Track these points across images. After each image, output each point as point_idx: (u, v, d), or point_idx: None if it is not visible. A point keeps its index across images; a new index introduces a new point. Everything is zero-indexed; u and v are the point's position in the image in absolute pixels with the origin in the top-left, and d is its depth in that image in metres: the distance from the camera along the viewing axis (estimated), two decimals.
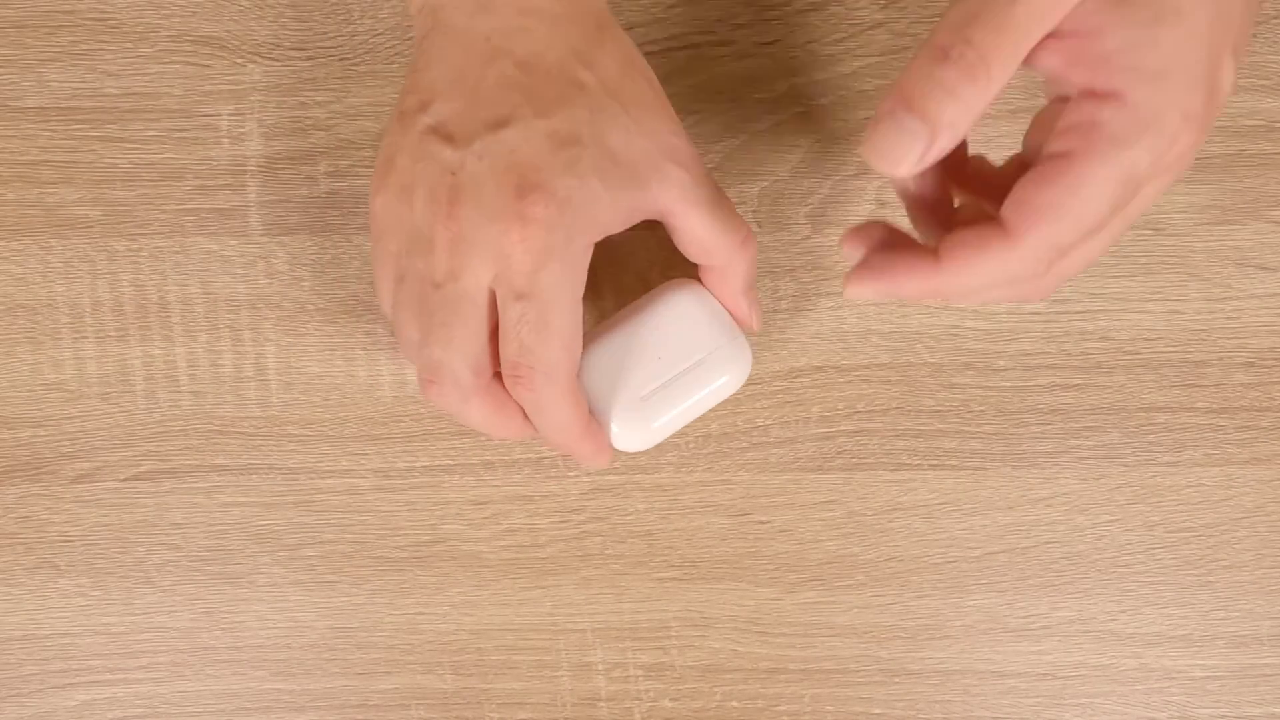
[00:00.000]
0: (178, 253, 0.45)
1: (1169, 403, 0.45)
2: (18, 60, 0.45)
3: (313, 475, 0.46)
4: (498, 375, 0.38)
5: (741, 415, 0.45)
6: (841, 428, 0.45)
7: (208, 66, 0.45)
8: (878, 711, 0.46)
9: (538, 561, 0.46)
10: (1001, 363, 0.45)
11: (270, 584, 0.46)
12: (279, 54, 0.45)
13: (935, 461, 0.45)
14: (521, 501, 0.46)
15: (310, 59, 0.45)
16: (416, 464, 0.46)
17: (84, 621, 0.46)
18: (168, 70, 0.45)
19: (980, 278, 0.32)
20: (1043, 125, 0.34)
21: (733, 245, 0.39)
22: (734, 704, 0.46)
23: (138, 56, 0.45)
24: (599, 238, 0.36)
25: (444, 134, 0.36)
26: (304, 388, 0.46)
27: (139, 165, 0.45)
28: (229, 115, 0.45)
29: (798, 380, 0.45)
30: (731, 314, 0.41)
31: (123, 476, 0.46)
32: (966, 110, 0.30)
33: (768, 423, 0.45)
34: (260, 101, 0.45)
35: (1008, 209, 0.31)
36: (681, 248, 0.39)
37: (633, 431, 0.40)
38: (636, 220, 0.37)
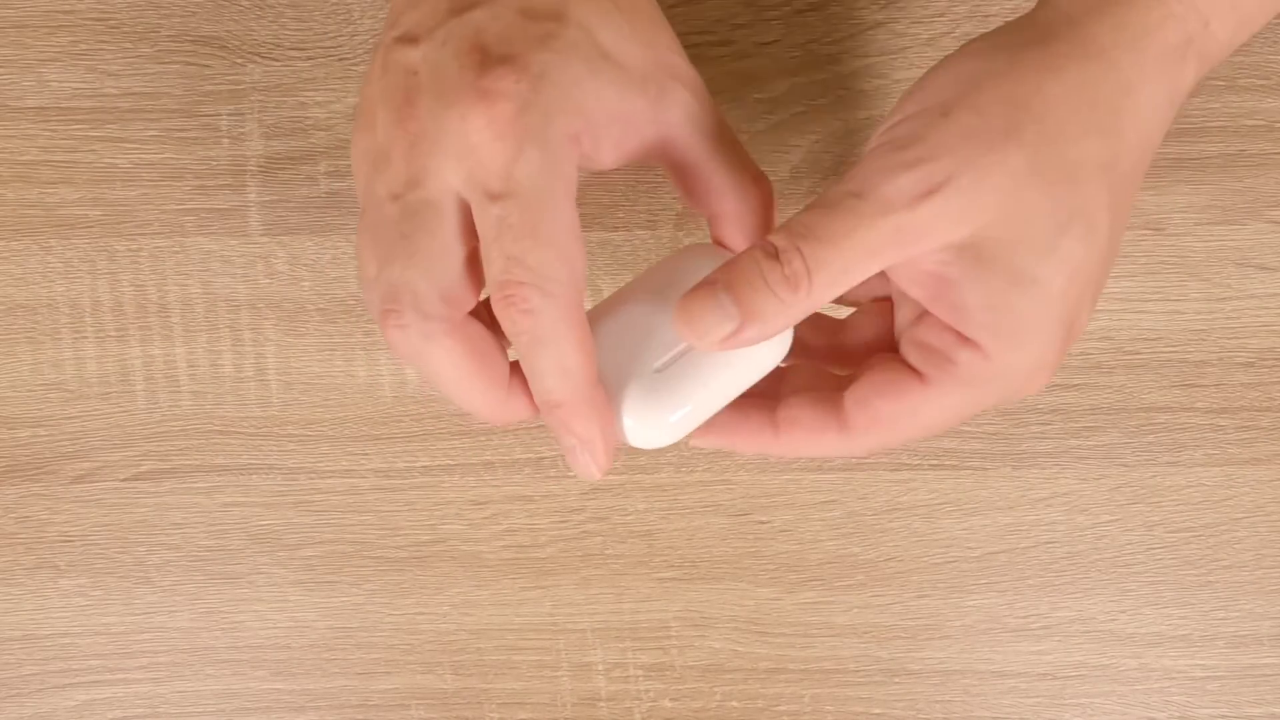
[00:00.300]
0: (178, 253, 0.45)
1: (1169, 403, 0.45)
2: (18, 60, 0.45)
3: (313, 475, 0.46)
4: (477, 315, 0.32)
5: None
6: None
7: (208, 66, 0.45)
8: (878, 711, 0.46)
9: (538, 561, 0.46)
10: None
11: (270, 584, 0.46)
12: (279, 54, 0.45)
13: (935, 461, 0.45)
14: (521, 501, 0.46)
15: (310, 59, 0.45)
16: (416, 464, 0.46)
17: (84, 621, 0.46)
18: (168, 70, 0.45)
19: (811, 454, 0.34)
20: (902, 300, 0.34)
21: (744, 185, 0.34)
22: (734, 704, 0.46)
23: (138, 56, 0.45)
24: (584, 131, 0.31)
25: (408, 38, 0.31)
26: (304, 388, 0.46)
27: (139, 165, 0.45)
28: (229, 115, 0.45)
29: None
30: None
31: (123, 476, 0.46)
32: (782, 311, 0.30)
33: None
34: (260, 101, 0.45)
35: (852, 403, 0.32)
36: (684, 191, 0.34)
37: (649, 417, 0.33)
38: (629, 144, 0.32)
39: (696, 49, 0.44)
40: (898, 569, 0.46)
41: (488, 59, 0.30)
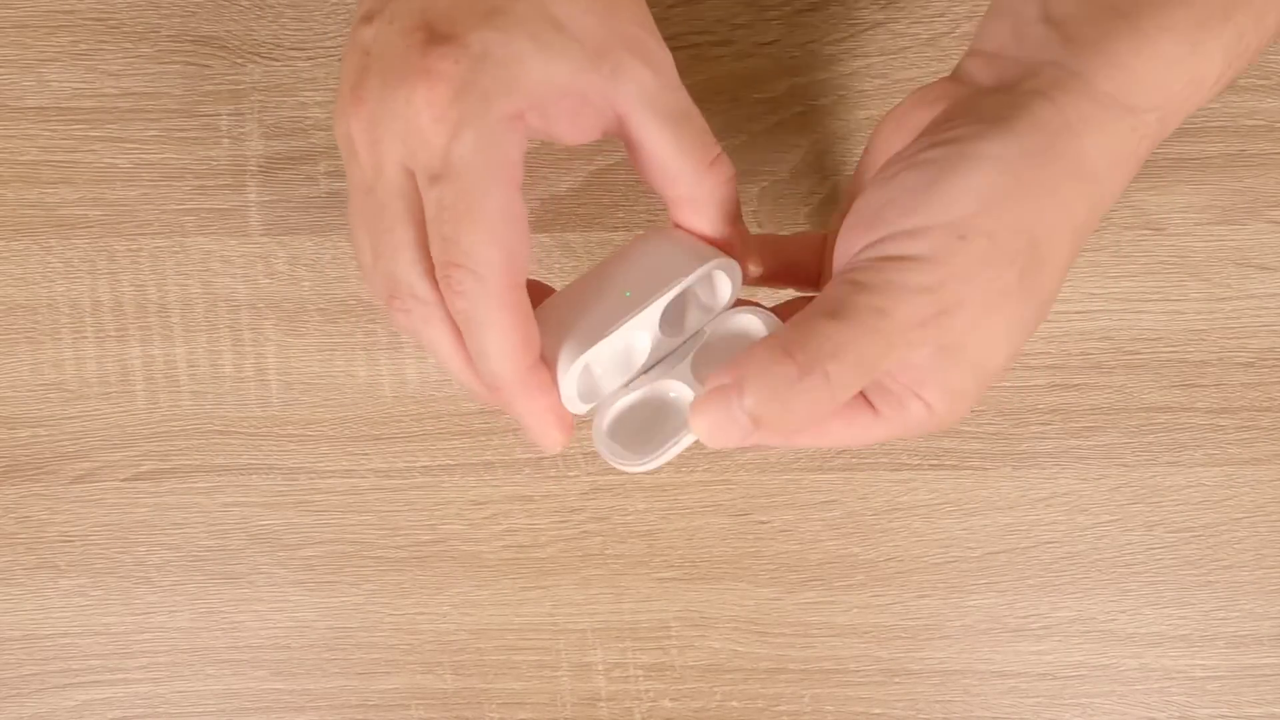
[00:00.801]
0: (178, 253, 0.45)
1: (1169, 403, 0.45)
2: (18, 60, 0.45)
3: (313, 475, 0.46)
4: None
5: None
6: None
7: (208, 66, 0.45)
8: (878, 711, 0.46)
9: (538, 561, 0.46)
10: None
11: (270, 584, 0.46)
12: (279, 54, 0.45)
13: (935, 461, 0.45)
14: (521, 501, 0.46)
15: (310, 59, 0.45)
16: (416, 464, 0.46)
17: (84, 621, 0.46)
18: (168, 70, 0.45)
19: (750, 444, 0.33)
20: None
21: (699, 167, 0.33)
22: (734, 704, 0.46)
23: (138, 56, 0.45)
24: (527, 109, 0.31)
25: (365, 16, 0.32)
26: (304, 388, 0.46)
27: (139, 165, 0.45)
28: (229, 115, 0.45)
29: None
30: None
31: (123, 476, 0.46)
32: (795, 422, 0.30)
33: None
34: (260, 101, 0.45)
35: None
36: (640, 170, 0.34)
37: (626, 461, 0.33)
38: (586, 121, 0.32)
39: (696, 49, 0.44)
40: (898, 569, 0.46)
41: (431, 37, 0.30)
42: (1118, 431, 0.45)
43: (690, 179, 0.33)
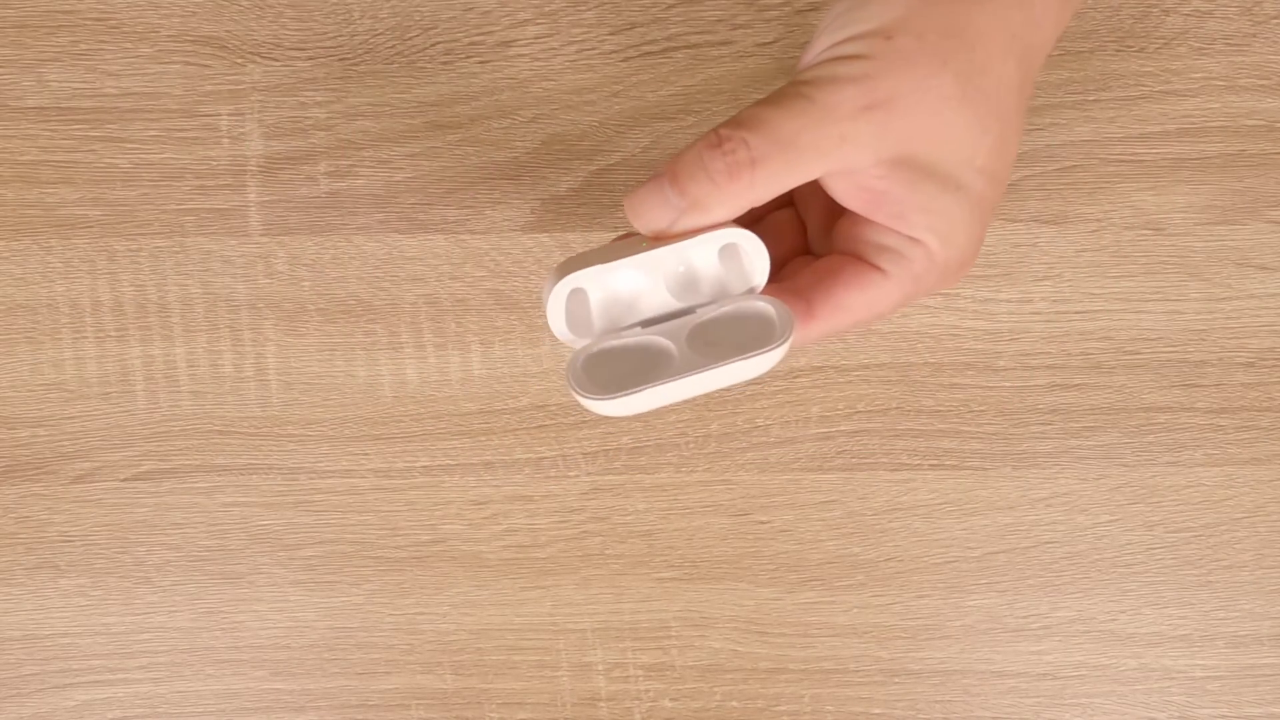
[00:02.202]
0: (178, 253, 0.45)
1: (1169, 403, 0.45)
2: (18, 60, 0.45)
3: (313, 475, 0.46)
4: None
5: (741, 415, 0.45)
6: (841, 428, 0.45)
7: (208, 66, 0.45)
8: (878, 711, 0.46)
9: (538, 561, 0.46)
10: (1001, 363, 0.45)
11: (270, 584, 0.46)
12: (279, 54, 0.45)
13: (935, 461, 0.45)
14: (521, 501, 0.46)
15: (310, 59, 0.45)
16: (416, 464, 0.46)
17: (84, 621, 0.46)
18: (168, 70, 0.45)
19: None
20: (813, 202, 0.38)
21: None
22: (734, 704, 0.46)
23: (138, 56, 0.45)
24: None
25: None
26: (304, 388, 0.46)
27: (139, 165, 0.45)
28: (229, 115, 0.45)
29: (798, 380, 0.45)
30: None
31: (123, 476, 0.46)
32: (722, 200, 0.32)
33: (768, 423, 0.45)
34: (260, 101, 0.45)
35: (815, 293, 0.35)
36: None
37: (598, 399, 0.32)
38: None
39: (696, 49, 0.44)
40: (898, 569, 0.46)
41: None
42: (1118, 431, 0.45)
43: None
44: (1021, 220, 0.45)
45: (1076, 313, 0.45)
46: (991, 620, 0.46)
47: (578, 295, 0.34)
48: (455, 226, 0.45)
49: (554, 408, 0.45)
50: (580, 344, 0.35)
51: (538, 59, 0.45)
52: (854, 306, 0.35)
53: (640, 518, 0.46)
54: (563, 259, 0.36)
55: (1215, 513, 0.45)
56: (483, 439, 0.46)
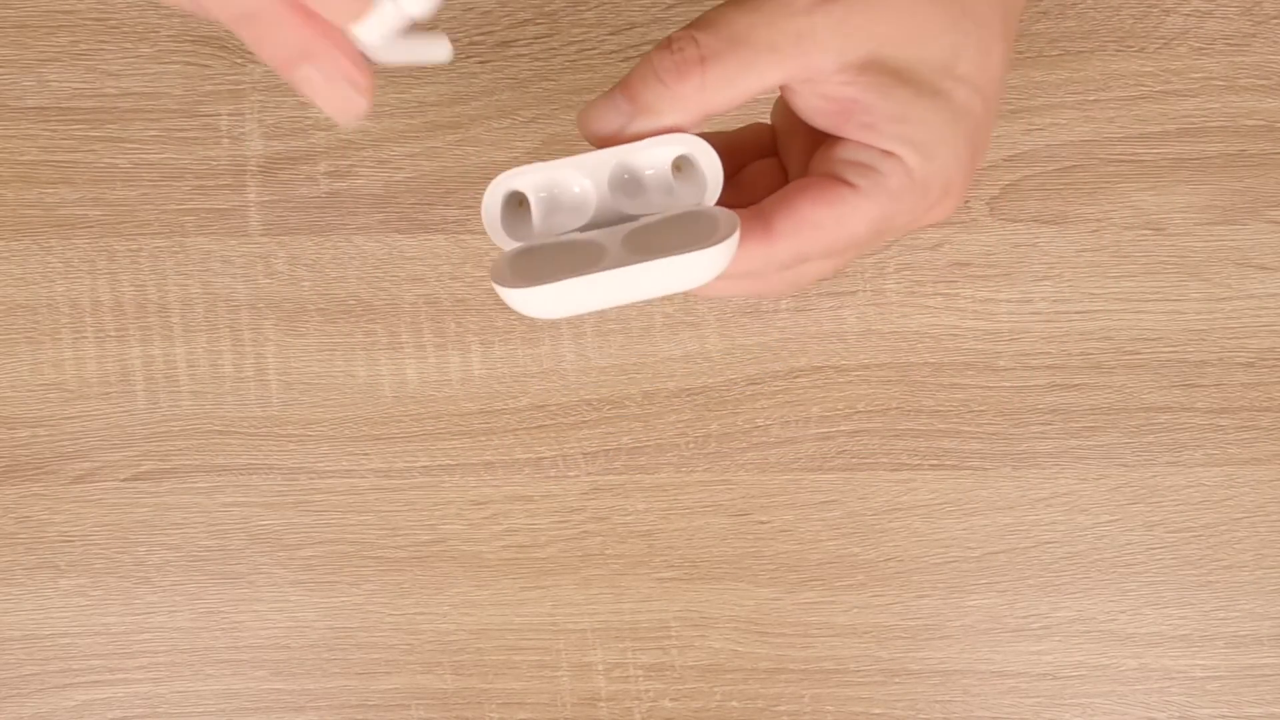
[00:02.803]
0: (178, 253, 0.45)
1: (1169, 403, 0.45)
2: (18, 60, 0.45)
3: (313, 475, 0.46)
4: None
5: (741, 415, 0.45)
6: (841, 428, 0.45)
7: (208, 66, 0.45)
8: (878, 711, 0.46)
9: (538, 561, 0.46)
10: (1001, 363, 0.45)
11: (270, 584, 0.46)
12: None
13: (935, 461, 0.45)
14: (521, 501, 0.46)
15: None
16: (416, 464, 0.46)
17: (84, 621, 0.46)
18: (168, 70, 0.45)
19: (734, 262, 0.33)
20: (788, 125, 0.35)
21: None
22: (734, 704, 0.46)
23: (138, 56, 0.45)
24: None
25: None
26: (304, 388, 0.46)
27: (139, 165, 0.45)
28: (229, 115, 0.45)
29: (798, 380, 0.45)
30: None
31: (123, 476, 0.46)
32: (672, 101, 0.30)
33: (768, 423, 0.45)
34: (260, 101, 0.45)
35: (776, 209, 0.32)
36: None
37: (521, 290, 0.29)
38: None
39: None
40: (898, 569, 0.46)
41: None
42: (1118, 431, 0.45)
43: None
44: (1021, 220, 0.45)
45: (1076, 313, 0.45)
46: (991, 620, 0.46)
47: (517, 200, 0.32)
48: (455, 226, 0.45)
49: (554, 408, 0.45)
50: (512, 239, 0.32)
51: (538, 59, 0.45)
52: (820, 222, 0.31)
53: (640, 518, 0.46)
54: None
55: (1215, 513, 0.45)
56: (483, 439, 0.46)
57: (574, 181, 0.32)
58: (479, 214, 0.44)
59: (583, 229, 0.32)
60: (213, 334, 0.45)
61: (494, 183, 0.32)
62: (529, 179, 0.32)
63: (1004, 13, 0.32)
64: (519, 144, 0.45)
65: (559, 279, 0.29)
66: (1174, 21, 0.44)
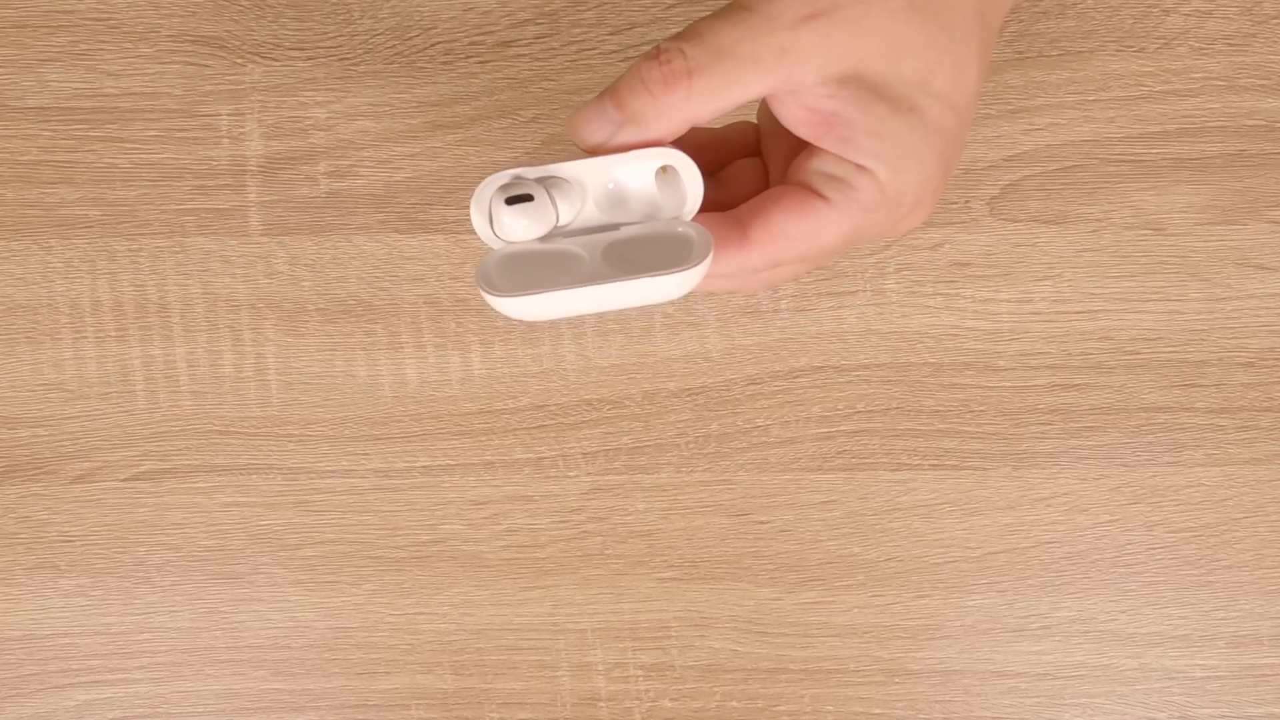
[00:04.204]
0: (178, 253, 0.45)
1: (1169, 403, 0.45)
2: (18, 60, 0.45)
3: (313, 475, 0.46)
4: None
5: (741, 415, 0.45)
6: (841, 428, 0.45)
7: (208, 66, 0.45)
8: (878, 711, 0.46)
9: (538, 561, 0.46)
10: (1001, 363, 0.45)
11: (270, 584, 0.46)
12: (279, 54, 0.45)
13: (935, 461, 0.45)
14: (521, 501, 0.46)
15: (310, 59, 0.45)
16: (416, 464, 0.46)
17: (84, 621, 0.46)
18: (168, 70, 0.45)
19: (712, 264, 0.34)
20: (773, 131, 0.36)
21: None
22: (734, 704, 0.46)
23: (138, 56, 0.45)
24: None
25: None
26: (304, 388, 0.46)
27: (139, 165, 0.45)
28: (229, 115, 0.45)
29: (798, 380, 0.45)
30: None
31: (123, 476, 0.46)
32: (660, 112, 0.32)
33: (768, 423, 0.45)
34: (260, 101, 0.45)
35: (753, 219, 0.34)
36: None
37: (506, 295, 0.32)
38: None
39: None
40: (898, 569, 0.46)
41: None
42: (1118, 431, 0.45)
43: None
44: (1021, 220, 0.45)
45: (1076, 313, 0.45)
46: (991, 620, 0.46)
47: (504, 201, 0.33)
48: (455, 226, 0.45)
49: (554, 408, 0.45)
50: (498, 241, 0.34)
51: (538, 59, 0.45)
52: (794, 234, 0.33)
53: (640, 518, 0.46)
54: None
55: (1215, 513, 0.45)
56: (483, 439, 0.46)
57: (560, 186, 0.33)
58: None
59: (566, 233, 0.34)
60: (213, 334, 0.45)
61: (482, 185, 0.33)
62: (517, 181, 0.33)
63: (982, 28, 0.33)
64: (519, 144, 0.45)
65: (540, 290, 0.32)
66: (1174, 21, 0.44)
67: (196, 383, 0.46)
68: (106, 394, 0.46)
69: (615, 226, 0.34)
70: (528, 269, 0.33)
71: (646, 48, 0.44)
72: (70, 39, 0.45)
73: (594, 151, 0.33)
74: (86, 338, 0.46)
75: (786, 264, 0.34)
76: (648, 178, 0.34)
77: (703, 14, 0.44)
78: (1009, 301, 0.45)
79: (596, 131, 0.32)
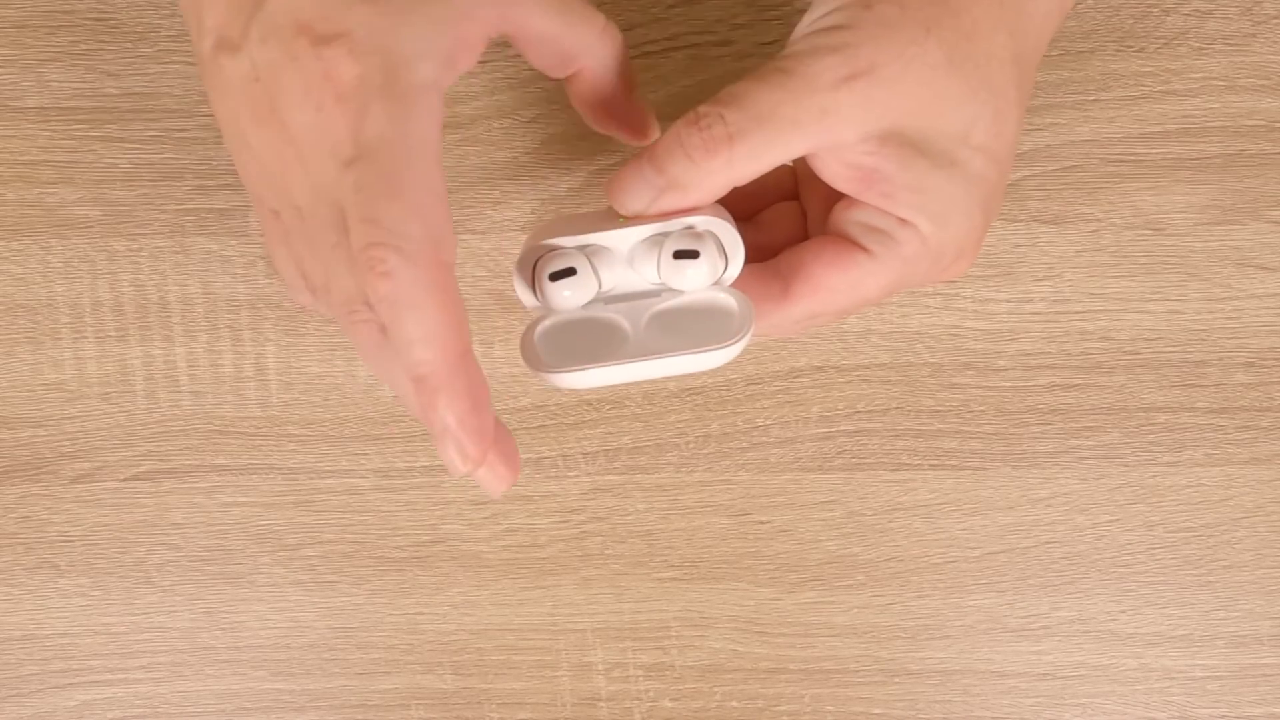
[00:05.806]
0: (178, 253, 0.45)
1: (1169, 403, 0.45)
2: (18, 60, 0.45)
3: (313, 475, 0.46)
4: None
5: (741, 415, 0.45)
6: (841, 428, 0.45)
7: None
8: (878, 711, 0.46)
9: (538, 561, 0.46)
10: (1001, 363, 0.45)
11: (270, 584, 0.46)
12: None
13: (935, 461, 0.45)
14: (521, 501, 0.46)
15: None
16: (416, 464, 0.46)
17: (84, 621, 0.46)
18: (168, 70, 0.45)
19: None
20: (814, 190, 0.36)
21: (590, 36, 0.33)
22: (734, 704, 0.46)
23: (138, 56, 0.45)
24: (435, 68, 0.29)
25: (226, 44, 0.30)
26: (304, 388, 0.46)
27: (139, 165, 0.45)
28: None
29: (798, 380, 0.45)
30: (619, 122, 0.35)
31: (123, 476, 0.46)
32: (700, 178, 0.31)
33: (768, 423, 0.45)
34: None
35: (794, 272, 0.34)
36: (534, 61, 0.33)
37: (553, 368, 0.32)
38: (479, 42, 0.31)
39: (696, 49, 0.44)
40: (898, 569, 0.46)
41: (316, 39, 0.28)
42: (1118, 431, 0.45)
43: (585, 48, 0.33)
44: (1021, 220, 0.45)
45: (1076, 313, 0.45)
46: (991, 620, 0.46)
47: (546, 264, 0.34)
48: (455, 226, 0.45)
49: (554, 408, 0.45)
50: (542, 309, 0.34)
51: None
52: (835, 287, 0.33)
53: (640, 518, 0.46)
54: (538, 224, 0.35)
55: (1215, 513, 0.45)
56: None
57: (600, 254, 0.34)
58: (479, 214, 0.45)
59: (606, 300, 0.34)
60: (213, 334, 0.45)
61: (526, 249, 0.34)
62: (559, 254, 0.34)
63: (1019, 76, 0.33)
64: (519, 144, 0.45)
65: (586, 366, 0.32)
66: (1174, 21, 0.44)
67: (196, 383, 0.46)
68: (106, 394, 0.46)
69: (658, 291, 0.34)
70: (572, 338, 0.34)
71: (646, 48, 0.44)
72: (70, 39, 0.45)
73: (634, 217, 0.33)
74: (86, 338, 0.46)
75: (826, 316, 0.34)
76: (688, 247, 0.33)
77: (703, 16, 0.44)
78: (1009, 301, 0.45)
79: (638, 199, 0.32)
